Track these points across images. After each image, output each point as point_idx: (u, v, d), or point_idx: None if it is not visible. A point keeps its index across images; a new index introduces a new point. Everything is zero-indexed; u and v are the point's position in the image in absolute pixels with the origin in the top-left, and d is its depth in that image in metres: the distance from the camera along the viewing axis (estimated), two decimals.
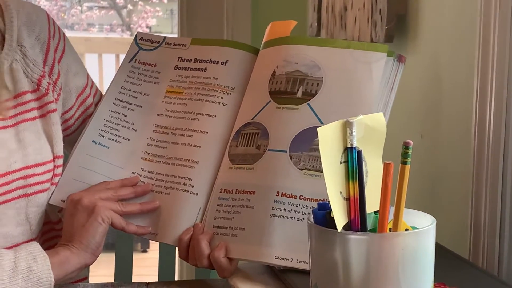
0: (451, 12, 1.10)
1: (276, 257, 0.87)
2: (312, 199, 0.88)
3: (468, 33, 1.01)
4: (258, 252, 0.88)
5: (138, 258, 1.35)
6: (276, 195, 0.89)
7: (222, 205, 0.93)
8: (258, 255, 0.88)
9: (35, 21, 1.02)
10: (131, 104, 1.05)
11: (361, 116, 0.63)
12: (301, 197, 0.88)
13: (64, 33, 1.08)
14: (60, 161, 1.00)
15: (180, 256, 0.94)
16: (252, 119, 0.96)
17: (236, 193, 0.93)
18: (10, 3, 1.01)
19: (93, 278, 1.20)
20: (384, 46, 0.93)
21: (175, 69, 1.06)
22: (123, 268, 1.31)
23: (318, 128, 0.61)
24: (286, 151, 0.91)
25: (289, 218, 0.88)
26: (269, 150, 0.92)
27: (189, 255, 0.93)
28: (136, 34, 1.11)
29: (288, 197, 0.89)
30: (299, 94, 0.94)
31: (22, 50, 1.00)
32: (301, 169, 0.90)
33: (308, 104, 0.93)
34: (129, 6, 7.87)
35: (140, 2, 7.74)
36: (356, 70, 0.93)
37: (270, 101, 0.96)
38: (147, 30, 7.38)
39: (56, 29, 1.06)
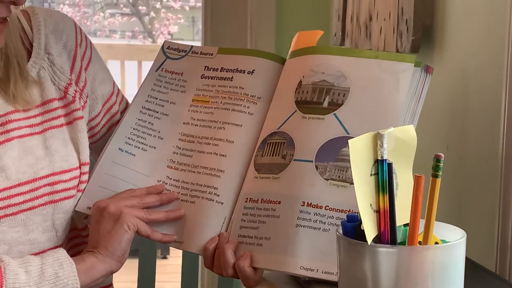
0: (478, 22, 1.09)
1: (302, 268, 0.87)
2: (338, 209, 0.88)
3: (495, 43, 1.01)
4: (283, 262, 0.88)
5: (158, 265, 1.35)
6: (302, 205, 0.89)
7: (247, 215, 0.93)
8: (283, 265, 0.88)
9: (63, 29, 1.03)
10: (157, 112, 1.06)
11: (392, 128, 0.63)
12: (326, 208, 0.88)
13: (91, 41, 1.09)
14: (86, 168, 1.01)
15: (205, 265, 0.94)
16: (278, 128, 0.96)
17: (261, 202, 0.92)
18: (38, 12, 1.02)
19: (116, 284, 1.21)
20: (411, 57, 0.93)
21: (201, 78, 1.06)
22: (146, 275, 1.32)
23: (349, 140, 0.60)
24: (312, 161, 0.91)
25: (314, 228, 0.88)
26: (294, 160, 0.92)
27: (214, 264, 0.93)
28: (163, 43, 1.11)
29: (314, 207, 0.89)
30: (325, 104, 0.94)
31: (50, 58, 1.01)
32: (327, 179, 0.89)
33: (334, 114, 0.93)
34: (152, 14, 7.93)
35: (162, 10, 7.79)
36: (383, 81, 0.92)
37: (296, 110, 0.96)
38: (168, 37, 7.43)
39: (83, 37, 1.07)
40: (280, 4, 2.06)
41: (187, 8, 7.87)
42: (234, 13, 2.09)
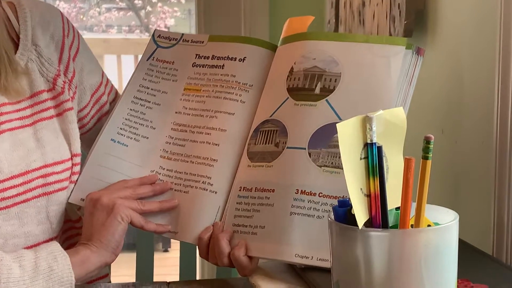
0: (470, 6, 1.08)
1: (297, 255, 0.86)
2: (332, 196, 0.87)
3: (488, 27, 1.00)
4: (278, 250, 0.87)
5: (159, 258, 1.35)
6: (296, 193, 0.89)
7: (241, 203, 0.92)
8: (278, 254, 0.87)
9: (49, 20, 1.02)
10: (149, 102, 1.05)
11: (381, 111, 0.62)
12: (320, 195, 0.88)
13: (78, 32, 1.08)
14: (78, 159, 1.00)
15: (200, 255, 0.94)
16: (270, 116, 0.96)
17: (255, 191, 0.92)
18: (23, 3, 1.01)
19: (114, 278, 1.21)
20: (402, 39, 0.92)
21: (193, 66, 1.05)
22: (144, 268, 1.31)
23: (337, 124, 0.60)
24: (305, 148, 0.90)
25: (309, 215, 0.87)
26: (287, 147, 0.92)
27: (209, 254, 0.92)
28: (154, 32, 1.11)
29: (308, 194, 0.88)
30: (317, 90, 0.93)
31: (37, 49, 1.00)
32: (320, 166, 0.89)
33: (326, 100, 0.92)
34: (148, 7, 7.90)
35: (158, 4, 7.77)
36: (375, 65, 0.92)
37: (288, 98, 0.95)
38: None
39: (70, 27, 1.06)
40: None
41: (183, 1, 7.84)
42: (228, 2, 2.07)
